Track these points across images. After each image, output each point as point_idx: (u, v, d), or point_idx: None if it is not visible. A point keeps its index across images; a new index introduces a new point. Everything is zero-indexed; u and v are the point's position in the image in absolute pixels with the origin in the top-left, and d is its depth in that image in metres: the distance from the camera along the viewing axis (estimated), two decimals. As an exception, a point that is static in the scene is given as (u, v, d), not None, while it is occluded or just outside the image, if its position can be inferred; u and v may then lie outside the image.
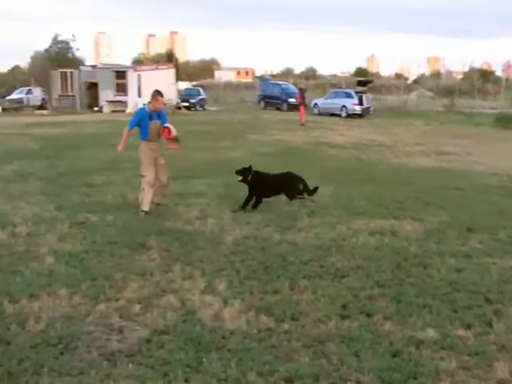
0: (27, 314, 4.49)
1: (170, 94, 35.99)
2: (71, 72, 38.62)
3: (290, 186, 8.53)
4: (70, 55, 48.25)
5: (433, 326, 4.36)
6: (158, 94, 8.24)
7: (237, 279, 5.34)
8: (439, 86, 49.32)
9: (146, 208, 7.91)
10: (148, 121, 8.09)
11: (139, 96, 34.86)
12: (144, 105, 8.82)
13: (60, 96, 38.66)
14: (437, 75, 72.29)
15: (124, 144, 8.19)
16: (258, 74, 72.84)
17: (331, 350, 4.01)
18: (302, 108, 27.23)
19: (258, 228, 7.19)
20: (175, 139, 8.32)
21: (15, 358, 3.79)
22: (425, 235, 6.99)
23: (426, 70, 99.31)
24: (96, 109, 35.98)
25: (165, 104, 33.22)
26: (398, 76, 71.84)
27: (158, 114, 8.16)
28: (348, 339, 4.14)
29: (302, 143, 18.30)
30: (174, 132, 8.14)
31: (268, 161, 13.83)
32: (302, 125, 25.30)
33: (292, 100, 37.12)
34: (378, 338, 4.15)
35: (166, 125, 8.16)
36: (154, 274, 5.44)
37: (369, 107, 33.19)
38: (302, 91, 28.22)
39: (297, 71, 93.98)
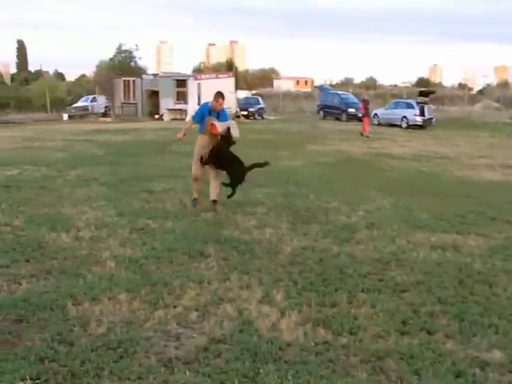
0: (89, 317, 4.59)
1: (230, 102, 36.36)
2: (133, 80, 39.70)
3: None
4: (132, 64, 49.60)
5: (499, 347, 4.18)
6: (219, 95, 8.80)
7: (294, 290, 5.30)
8: (506, 96, 47.70)
9: (194, 195, 8.91)
10: (207, 115, 8.73)
11: (199, 104, 35.34)
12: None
13: (122, 104, 39.81)
14: (504, 85, 69.83)
15: (184, 133, 9.06)
16: (317, 83, 72.56)
17: (390, 366, 3.91)
18: (365, 119, 26.54)
19: (316, 239, 7.13)
20: (226, 136, 8.77)
21: (78, 359, 3.88)
22: (490, 251, 6.74)
23: (492, 80, 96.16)
24: (157, 116, 36.79)
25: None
26: (462, 86, 70.09)
27: (217, 113, 8.75)
28: (408, 356, 4.02)
29: (362, 154, 18.09)
30: (219, 129, 8.59)
31: (327, 171, 13.75)
32: (367, 137, 24.53)
33: (351, 110, 36.86)
34: (440, 357, 4.02)
35: (213, 121, 8.62)
36: (211, 282, 5.47)
37: (431, 118, 32.51)
38: (365, 102, 27.50)
39: (357, 81, 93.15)
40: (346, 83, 78.44)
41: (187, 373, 3.75)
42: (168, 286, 5.35)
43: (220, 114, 8.83)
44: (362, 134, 24.98)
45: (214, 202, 8.72)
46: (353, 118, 36.13)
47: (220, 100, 8.74)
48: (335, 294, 5.20)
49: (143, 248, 6.58)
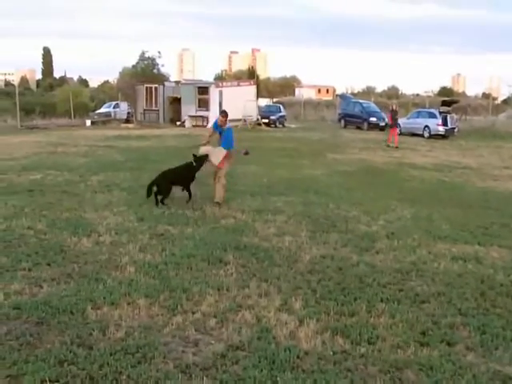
0: (108, 322, 4.63)
1: (251, 110, 36.57)
2: (156, 87, 40.02)
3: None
4: (155, 71, 50.01)
5: (521, 361, 4.11)
6: (221, 112, 9.85)
7: (313, 299, 5.28)
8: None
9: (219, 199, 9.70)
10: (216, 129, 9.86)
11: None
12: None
13: (145, 110, 40.15)
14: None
15: (207, 140, 10.10)
16: (338, 91, 72.51)
17: (409, 377, 3.87)
18: (392, 130, 25.58)
19: (336, 248, 7.10)
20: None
21: (96, 362, 3.92)
22: (512, 263, 6.64)
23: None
24: (178, 123, 37.01)
25: (245, 120, 33.71)
26: (486, 96, 69.34)
27: (221, 131, 9.68)
28: (427, 368, 3.98)
29: (383, 163, 17.97)
30: (216, 162, 9.83)
31: (347, 180, 13.69)
32: (396, 147, 23.63)
33: (373, 119, 36.69)
34: (460, 370, 3.96)
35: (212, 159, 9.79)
36: (230, 289, 5.47)
37: (453, 128, 32.18)
38: (393, 112, 26.28)
39: (378, 90, 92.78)
40: (368, 92, 78.20)
41: (205, 379, 3.76)
42: (187, 292, 5.37)
43: (223, 133, 9.62)
44: (388, 145, 24.39)
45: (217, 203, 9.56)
46: (374, 127, 35.97)
47: (221, 118, 9.45)
48: (354, 303, 5.16)
49: (163, 254, 6.61)
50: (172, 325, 4.63)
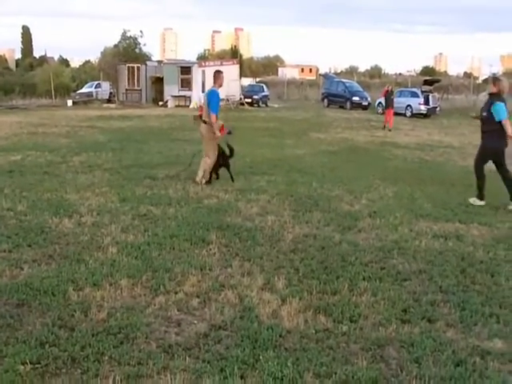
0: (90, 303, 4.60)
1: (234, 89, 36.36)
2: (138, 67, 39.64)
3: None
4: (137, 51, 49.39)
5: (500, 336, 4.17)
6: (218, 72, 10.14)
7: (295, 278, 5.29)
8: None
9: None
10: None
11: (203, 91, 35.30)
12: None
13: (127, 90, 39.77)
14: (510, 74, 69.30)
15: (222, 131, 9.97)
16: (322, 71, 72.23)
17: (390, 354, 3.90)
18: (388, 111, 24.06)
19: (318, 227, 7.11)
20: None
21: (78, 344, 3.89)
22: (493, 241, 6.72)
23: (499, 69, 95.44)
24: (161, 103, 36.75)
25: (228, 100, 33.52)
26: (468, 75, 69.61)
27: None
28: (408, 345, 4.02)
29: (366, 142, 18.03)
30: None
31: (330, 159, 13.71)
32: (390, 130, 22.55)
33: (356, 98, 36.73)
34: (440, 346, 4.01)
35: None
36: (213, 269, 5.46)
37: (435, 107, 32.35)
38: (388, 93, 24.81)
39: (361, 69, 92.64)
40: (351, 71, 78.07)
41: (187, 359, 3.76)
42: (169, 272, 5.35)
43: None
44: (384, 127, 23.27)
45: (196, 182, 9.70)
46: (357, 106, 36.01)
47: (222, 75, 10.31)
48: (336, 281, 5.19)
49: (145, 234, 6.58)
50: (154, 305, 4.61)
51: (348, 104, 36.59)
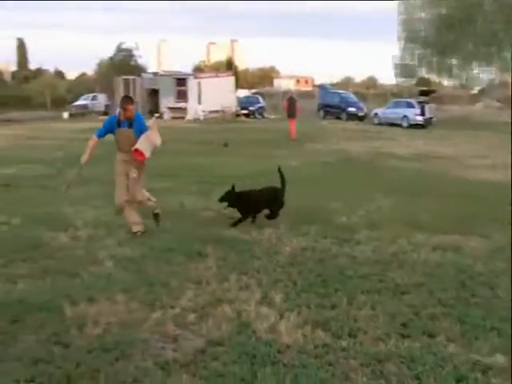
0: (85, 318, 4.53)
1: (229, 101, 36.45)
2: (134, 79, 39.65)
3: (277, 200, 7.86)
4: (132, 63, 49.57)
5: (502, 351, 4.10)
6: (126, 101, 7.11)
7: (293, 291, 5.23)
8: (508, 95, 47.51)
9: (136, 229, 7.15)
10: (115, 128, 7.15)
11: (199, 103, 35.45)
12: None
13: (123, 102, 39.70)
14: (505, 84, 69.47)
15: (89, 153, 7.34)
16: (317, 82, 72.48)
17: (390, 370, 3.84)
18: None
19: (316, 239, 7.06)
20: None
21: (73, 361, 3.82)
22: (491, 253, 6.67)
23: (494, 79, 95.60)
24: (157, 115, 36.69)
25: (224, 111, 33.32)
26: (463, 86, 69.82)
27: (129, 123, 7.08)
28: (408, 360, 3.96)
29: (362, 153, 18.02)
30: (146, 153, 7.03)
31: (327, 170, 13.69)
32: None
33: (351, 109, 36.81)
34: (441, 361, 3.95)
35: (136, 146, 6.96)
36: (209, 283, 5.40)
37: (431, 118, 32.43)
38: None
39: (357, 80, 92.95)
40: (347, 82, 78.39)
41: (184, 376, 3.69)
42: (166, 286, 5.29)
43: (133, 123, 7.08)
44: None
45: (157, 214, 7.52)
46: (353, 117, 36.09)
47: (129, 106, 6.97)
48: (335, 295, 5.13)
49: (141, 248, 6.52)
50: (151, 320, 4.54)
51: (344, 115, 36.64)
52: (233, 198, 7.68)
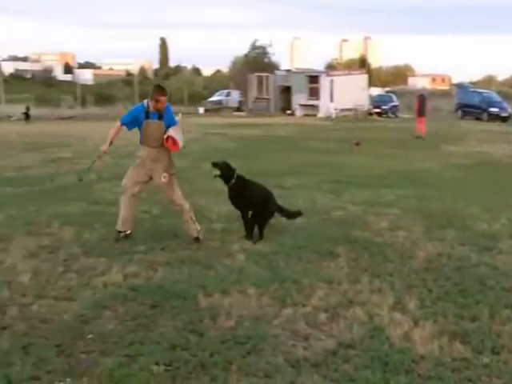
0: (219, 309, 4.65)
1: (362, 99, 35.85)
2: (267, 76, 40.38)
3: (264, 205, 6.81)
4: (266, 60, 50.48)
5: None
6: (158, 91, 6.45)
7: (428, 299, 5.00)
8: None
9: (119, 227, 6.61)
10: (143, 119, 6.50)
11: (331, 101, 35.26)
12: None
13: (256, 99, 40.63)
14: None
15: (110, 143, 6.58)
16: (455, 81, 69.12)
17: (538, 394, 3.53)
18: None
19: (453, 246, 6.70)
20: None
21: (207, 350, 3.93)
22: None
23: None
24: (288, 112, 37.11)
25: (356, 110, 32.82)
26: None
27: (159, 115, 6.49)
28: (560, 385, 3.61)
29: (505, 157, 16.87)
30: (179, 143, 6.50)
31: (465, 174, 12.99)
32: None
33: (494, 109, 34.69)
34: None
35: (170, 134, 6.44)
36: (341, 283, 5.32)
37: None
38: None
39: (500, 78, 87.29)
40: (488, 81, 73.95)
41: (315, 376, 3.66)
42: (297, 283, 5.29)
43: (164, 116, 6.50)
44: None
45: (197, 239, 6.68)
46: (495, 118, 33.97)
47: (161, 97, 6.39)
48: (475, 307, 4.82)
49: (273, 243, 6.58)
50: (282, 317, 4.57)
51: (485, 115, 34.60)
52: (229, 172, 6.94)
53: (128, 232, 6.65)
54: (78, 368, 3.70)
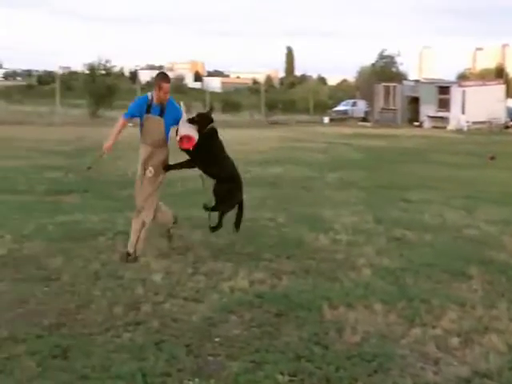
0: (344, 323, 4.57)
1: (498, 111, 33.87)
2: (394, 86, 39.46)
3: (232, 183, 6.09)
4: (394, 69, 49.42)
5: None
6: (161, 78, 5.96)
7: None
8: None
9: (129, 248, 6.11)
10: (145, 112, 5.97)
11: (463, 113, 33.72)
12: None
13: (382, 109, 39.84)
14: None
15: (114, 140, 5.98)
16: None
17: None
18: None
19: None
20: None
21: (333, 364, 3.87)
22: None
23: None
24: (416, 124, 35.99)
25: (491, 123, 30.98)
26: None
27: (161, 108, 5.95)
28: None
29: None
30: (195, 136, 5.85)
31: None
32: None
33: None
34: None
35: (182, 133, 5.83)
36: (475, 307, 5.00)
37: None
38: None
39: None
40: None
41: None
42: (426, 303, 5.06)
43: (165, 110, 5.95)
44: None
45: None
46: None
47: (164, 84, 5.86)
48: None
49: (400, 259, 6.37)
50: (410, 337, 4.38)
51: None
52: (204, 120, 5.97)
53: (137, 255, 6.11)
54: (206, 369, 3.79)
